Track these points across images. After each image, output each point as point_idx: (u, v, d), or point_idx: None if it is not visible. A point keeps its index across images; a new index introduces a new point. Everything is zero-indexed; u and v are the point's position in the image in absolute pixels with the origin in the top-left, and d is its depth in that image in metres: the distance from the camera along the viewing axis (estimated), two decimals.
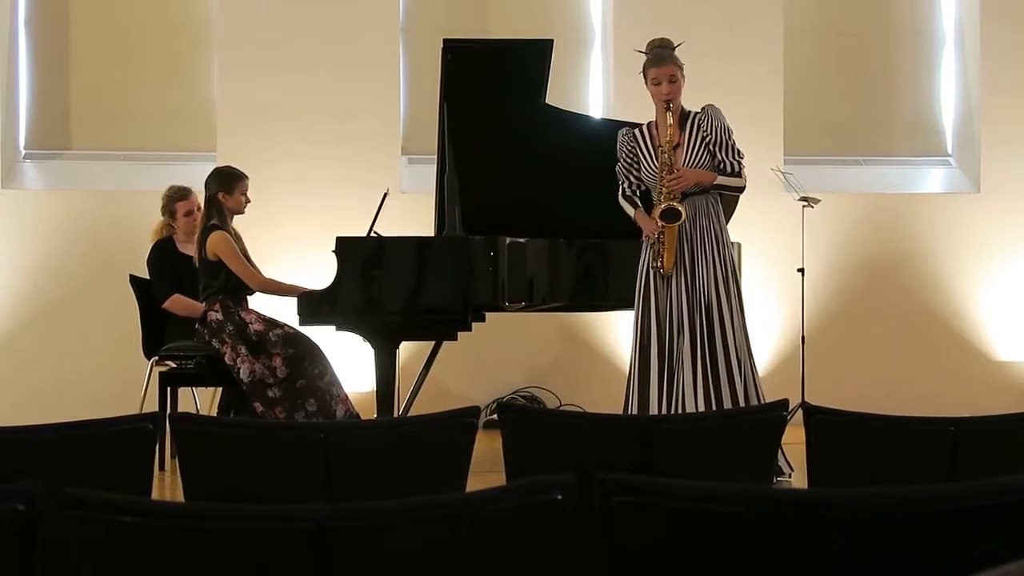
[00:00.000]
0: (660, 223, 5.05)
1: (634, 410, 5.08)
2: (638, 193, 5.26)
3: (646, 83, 5.16)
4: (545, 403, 7.45)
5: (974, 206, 7.95)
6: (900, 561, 1.66)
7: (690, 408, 4.95)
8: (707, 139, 5.13)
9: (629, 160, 5.27)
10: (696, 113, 5.19)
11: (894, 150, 8.27)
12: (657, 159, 5.13)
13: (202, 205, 6.27)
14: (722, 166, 5.13)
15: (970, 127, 8.07)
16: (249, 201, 5.99)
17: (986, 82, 7.95)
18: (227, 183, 5.93)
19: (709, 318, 5.07)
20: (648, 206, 5.18)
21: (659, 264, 5.09)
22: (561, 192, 6.02)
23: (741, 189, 5.26)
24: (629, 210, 5.25)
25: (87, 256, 7.29)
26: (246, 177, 5.98)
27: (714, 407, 4.95)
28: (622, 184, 5.29)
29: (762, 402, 5.07)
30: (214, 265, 5.83)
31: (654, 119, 5.22)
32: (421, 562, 1.68)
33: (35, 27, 7.72)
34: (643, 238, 5.17)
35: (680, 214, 5.03)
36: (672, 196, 5.06)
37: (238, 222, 6.05)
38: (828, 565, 1.66)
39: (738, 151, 5.18)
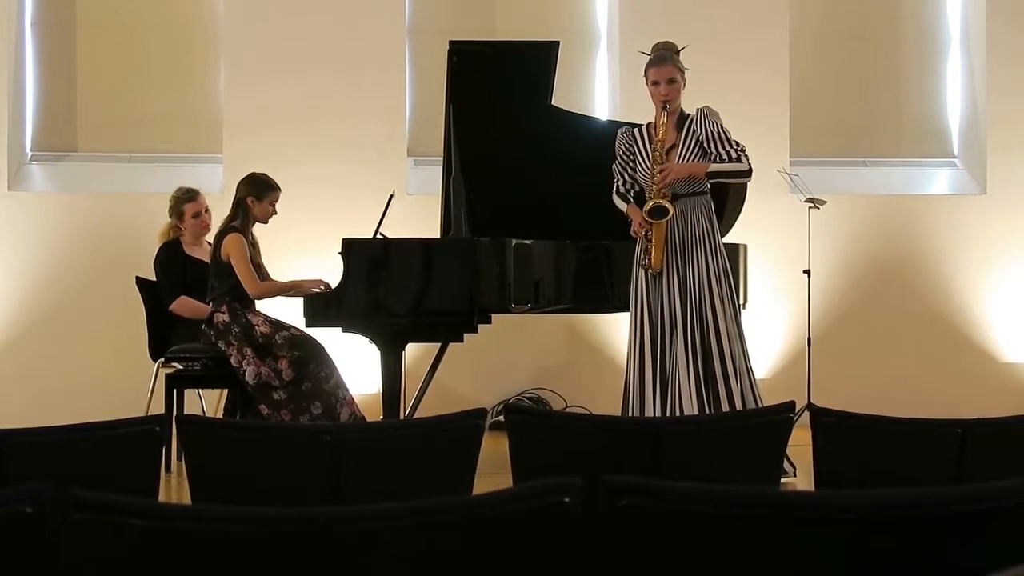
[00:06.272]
0: (647, 219, 5.05)
1: (632, 413, 5.07)
2: (631, 193, 5.26)
3: (647, 83, 5.18)
4: (551, 405, 7.45)
5: (980, 208, 7.94)
6: (907, 563, 1.66)
7: (687, 410, 4.93)
8: (700, 137, 5.12)
9: (625, 159, 5.28)
10: (692, 116, 5.19)
11: (900, 152, 8.26)
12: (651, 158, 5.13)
13: (208, 207, 6.29)
14: (716, 158, 5.10)
15: (976, 129, 8.06)
16: (276, 213, 5.98)
17: (992, 84, 7.94)
18: (259, 190, 5.92)
19: (702, 318, 5.05)
20: (641, 205, 5.17)
21: (647, 261, 5.08)
22: (567, 194, 6.01)
23: (744, 173, 5.14)
24: (622, 206, 5.25)
25: (93, 258, 7.29)
26: (279, 189, 5.97)
27: (710, 409, 4.93)
28: (616, 182, 5.30)
29: (759, 403, 5.05)
30: (226, 267, 5.83)
31: (654, 120, 5.22)
32: (428, 564, 1.68)
33: (42, 29, 7.73)
34: (631, 232, 5.16)
35: (668, 211, 5.02)
36: (661, 194, 5.06)
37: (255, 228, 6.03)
38: (836, 567, 1.66)
39: (735, 142, 5.10)
